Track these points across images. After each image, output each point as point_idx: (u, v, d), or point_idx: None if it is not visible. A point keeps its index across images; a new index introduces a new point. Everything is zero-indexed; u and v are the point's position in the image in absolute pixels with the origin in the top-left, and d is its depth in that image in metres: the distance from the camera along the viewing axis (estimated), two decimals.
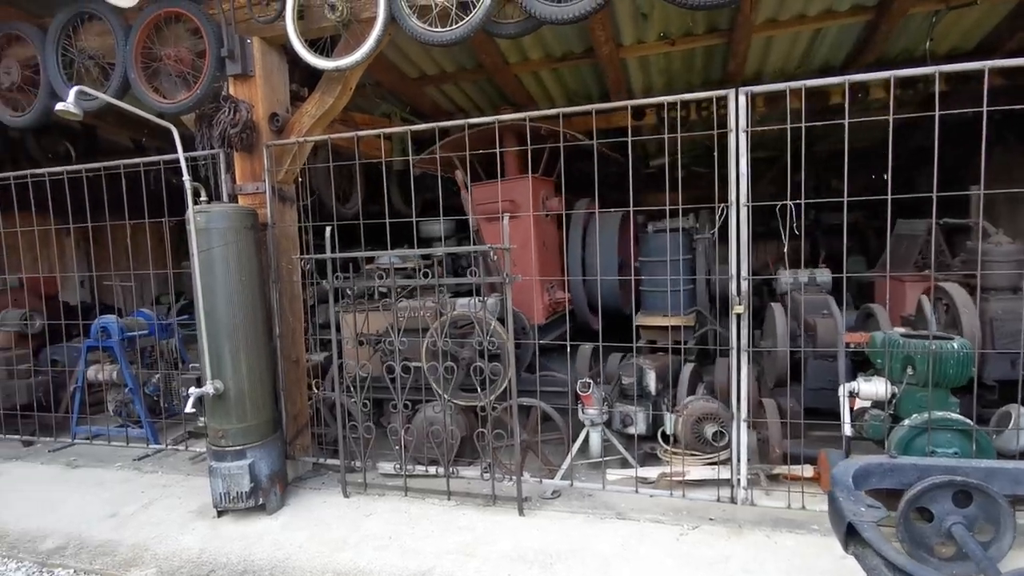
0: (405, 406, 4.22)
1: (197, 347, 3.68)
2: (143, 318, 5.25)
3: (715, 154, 3.10)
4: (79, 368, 5.09)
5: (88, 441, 5.16)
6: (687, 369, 4.10)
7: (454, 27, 3.36)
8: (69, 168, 4.83)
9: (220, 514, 3.67)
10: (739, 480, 3.11)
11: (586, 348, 4.51)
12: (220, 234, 3.47)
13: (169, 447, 4.84)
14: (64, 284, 7.56)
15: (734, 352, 3.01)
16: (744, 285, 2.96)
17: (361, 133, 3.98)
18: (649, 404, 3.88)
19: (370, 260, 5.16)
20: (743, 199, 2.94)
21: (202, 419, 4.99)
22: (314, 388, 4.30)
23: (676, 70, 5.87)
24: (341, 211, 5.05)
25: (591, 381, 3.57)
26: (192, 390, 3.43)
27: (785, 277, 4.79)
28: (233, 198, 4.00)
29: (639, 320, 5.22)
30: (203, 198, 3.53)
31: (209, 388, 3.43)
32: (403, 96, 6.07)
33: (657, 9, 4.61)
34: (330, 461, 4.21)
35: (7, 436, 5.20)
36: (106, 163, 4.71)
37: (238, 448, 3.55)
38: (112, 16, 4.05)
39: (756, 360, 4.63)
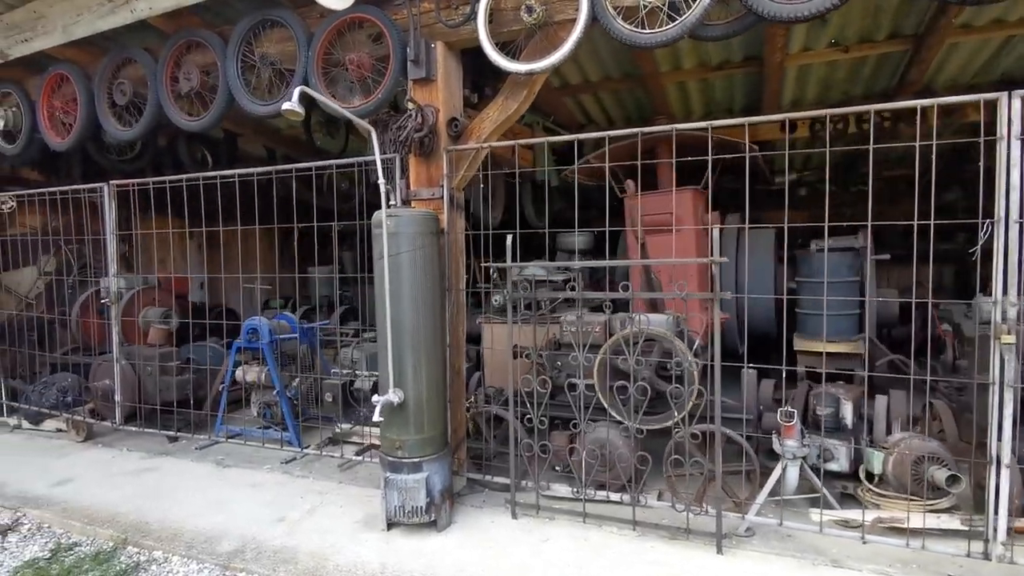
0: (565, 426, 4.03)
1: (333, 352, 3.61)
2: (286, 321, 5.29)
3: (971, 164, 2.77)
4: (227, 368, 5.16)
5: (228, 440, 5.22)
6: (882, 401, 3.73)
7: (665, 28, 3.18)
8: (205, 175, 4.97)
9: (389, 527, 3.55)
10: (995, 533, 2.72)
11: (752, 373, 4.20)
12: (409, 239, 3.40)
13: (312, 451, 4.81)
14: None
15: (995, 387, 2.66)
16: (1013, 311, 2.61)
17: (534, 140, 3.87)
18: (851, 438, 3.53)
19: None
20: (1014, 215, 2.60)
21: (341, 425, 4.97)
22: (474, 400, 4.17)
23: (837, 80, 5.52)
24: (487, 221, 4.97)
25: (794, 410, 3.26)
26: (376, 398, 3.34)
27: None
28: (406, 204, 3.94)
29: (799, 345, 4.86)
30: (393, 202, 3.47)
31: (393, 397, 3.33)
32: (542, 105, 5.98)
33: (841, 11, 4.31)
34: (489, 479, 4.04)
35: (155, 431, 5.32)
36: (241, 170, 4.84)
37: (415, 461, 3.43)
38: (295, 23, 4.11)
39: (950, 396, 4.19)
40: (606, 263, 3.89)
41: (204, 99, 4.62)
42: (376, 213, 3.49)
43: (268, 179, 4.81)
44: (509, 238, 3.60)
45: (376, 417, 3.24)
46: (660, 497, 3.52)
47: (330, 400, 4.82)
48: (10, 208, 6.38)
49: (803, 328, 4.98)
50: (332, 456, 4.71)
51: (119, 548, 3.57)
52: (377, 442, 4.84)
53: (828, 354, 4.54)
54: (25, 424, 5.92)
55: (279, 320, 5.27)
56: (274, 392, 4.94)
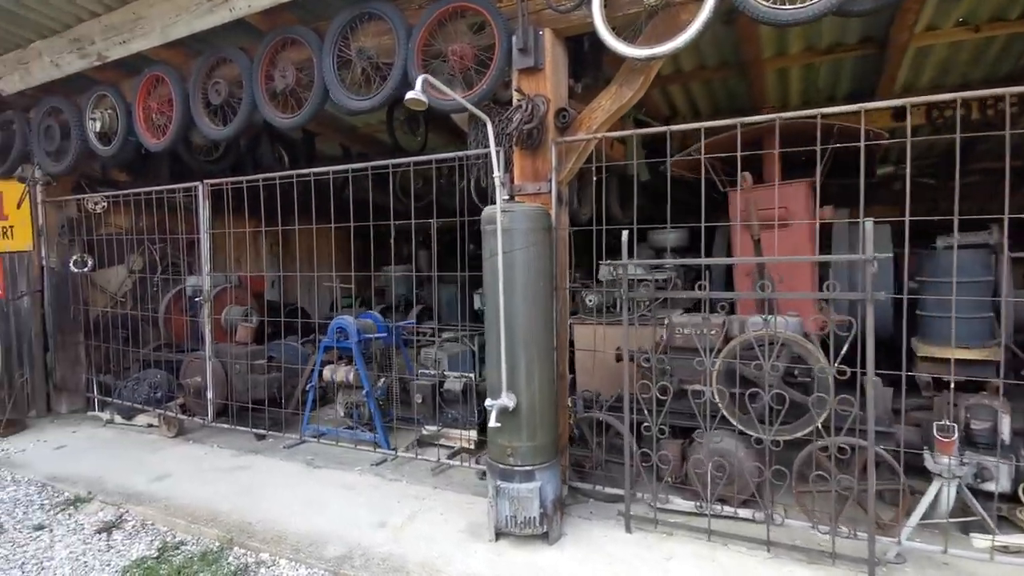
0: (676, 434, 3.78)
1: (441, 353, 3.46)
2: (372, 321, 5.22)
3: None
4: (314, 367, 5.13)
5: (314, 440, 5.18)
6: None
7: (810, 3, 2.90)
8: (299, 172, 4.94)
9: (497, 537, 3.39)
10: None
11: (877, 381, 3.85)
12: (522, 235, 3.23)
13: (402, 454, 4.71)
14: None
15: None
16: None
17: (641, 131, 3.63)
18: (1011, 456, 3.17)
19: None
20: None
21: (427, 428, 4.85)
22: (571, 404, 3.97)
23: (959, 62, 5.08)
24: (579, 216, 4.77)
25: (953, 424, 2.93)
26: (489, 402, 3.18)
27: None
28: (510, 199, 3.77)
29: (922, 350, 4.46)
30: (506, 196, 3.31)
31: (508, 401, 3.17)
32: None
33: None
34: (594, 488, 3.84)
35: (243, 429, 5.34)
36: (324, 168, 4.79)
37: (527, 469, 3.26)
38: (394, 15, 4.01)
39: None
40: (734, 260, 3.62)
41: (298, 96, 4.58)
42: (487, 209, 3.34)
43: (344, 178, 4.78)
44: (625, 234, 3.39)
45: (492, 423, 3.08)
46: (787, 514, 3.23)
47: (420, 401, 4.71)
48: (102, 208, 6.57)
49: (927, 332, 4.56)
50: (424, 460, 4.59)
51: (225, 548, 3.53)
52: (468, 445, 4.71)
53: (957, 361, 4.15)
54: (118, 419, 6.07)
55: (365, 319, 5.20)
56: (362, 392, 4.87)
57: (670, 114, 6.34)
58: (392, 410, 5.28)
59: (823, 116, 3.15)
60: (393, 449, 4.80)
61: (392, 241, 5.57)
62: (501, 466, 3.31)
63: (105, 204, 6.55)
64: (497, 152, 3.71)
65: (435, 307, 6.80)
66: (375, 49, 4.17)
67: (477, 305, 7.19)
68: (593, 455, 3.89)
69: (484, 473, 4.26)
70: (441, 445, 4.83)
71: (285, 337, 6.60)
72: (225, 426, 5.39)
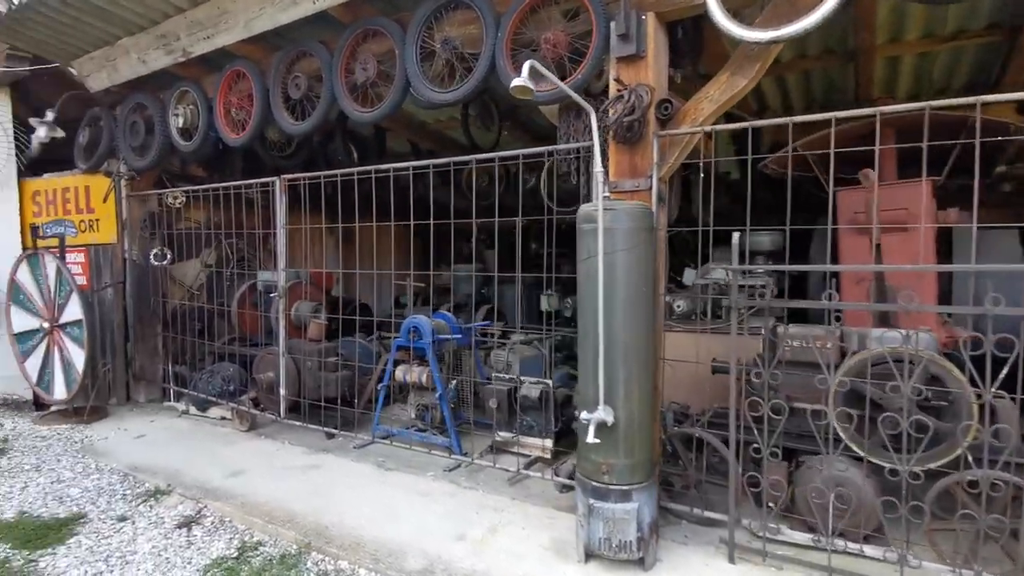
0: (780, 454, 3.44)
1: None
2: (444, 320, 5.08)
3: None
4: (387, 367, 5.03)
5: (385, 441, 5.08)
6: None
7: None
8: (359, 169, 4.84)
9: (587, 559, 3.16)
10: None
11: (1006, 403, 3.40)
12: (624, 236, 2.98)
13: (476, 460, 4.54)
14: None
15: None
16: None
17: (758, 123, 3.30)
18: None
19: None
20: None
21: (500, 434, 4.66)
22: (667, 419, 3.69)
23: None
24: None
25: None
26: (585, 415, 2.96)
27: None
28: (604, 196, 3.53)
29: None
30: (606, 194, 3.07)
31: (606, 416, 2.93)
32: None
33: None
34: (688, 510, 3.55)
35: (314, 426, 5.30)
36: (397, 165, 4.66)
37: (624, 488, 3.01)
38: (482, 3, 3.83)
39: None
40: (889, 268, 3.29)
41: (377, 90, 4.47)
42: (584, 207, 3.11)
43: (412, 175, 4.64)
44: (736, 235, 3.09)
45: (590, 439, 2.85)
46: (917, 554, 2.87)
47: (495, 407, 4.52)
48: (181, 203, 6.70)
49: None
50: (498, 468, 4.40)
51: (303, 553, 3.44)
52: (544, 455, 4.51)
53: None
54: (193, 410, 6.16)
55: (437, 319, 5.06)
56: (435, 395, 4.73)
57: (759, 108, 5.94)
58: (463, 413, 5.14)
59: (934, 109, 2.79)
60: (466, 455, 4.64)
61: (452, 239, 5.45)
62: (594, 484, 3.08)
63: (184, 199, 6.67)
64: (591, 147, 3.48)
65: (489, 306, 6.62)
66: (462, 39, 4.00)
67: (544, 306, 6.97)
68: (687, 474, 3.60)
69: (564, 486, 4.05)
70: (513, 452, 4.64)
71: (351, 334, 6.57)
72: (295, 423, 5.37)
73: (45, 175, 7.05)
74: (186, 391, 6.28)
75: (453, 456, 4.67)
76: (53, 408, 6.58)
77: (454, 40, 4.00)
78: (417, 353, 4.94)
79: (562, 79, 3.60)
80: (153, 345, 6.84)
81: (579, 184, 3.72)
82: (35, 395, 7.18)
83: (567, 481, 3.99)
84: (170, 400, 6.65)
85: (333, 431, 5.24)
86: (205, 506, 4.07)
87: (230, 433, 5.58)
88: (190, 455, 4.98)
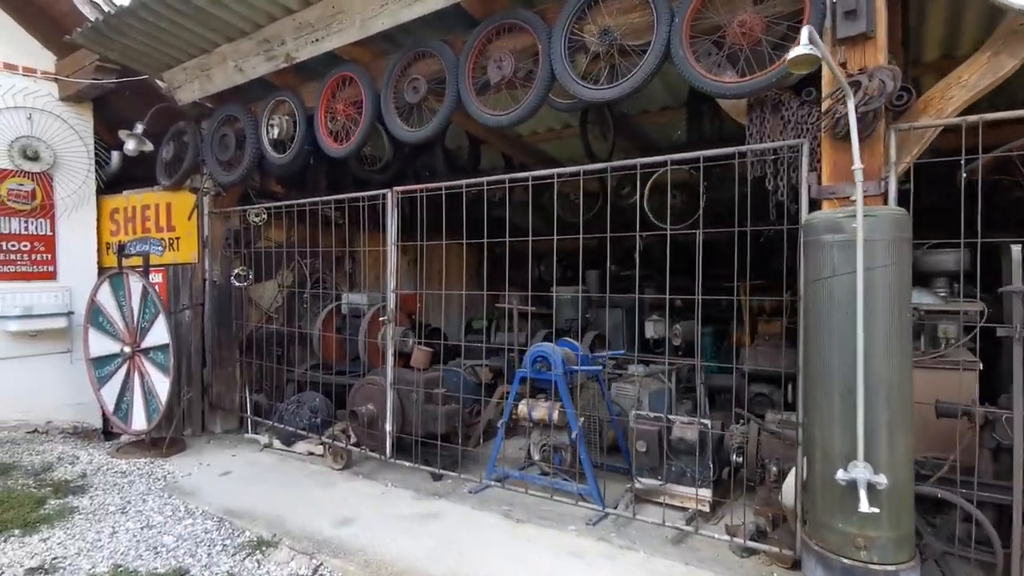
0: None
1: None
2: (569, 349, 4.51)
3: None
4: (507, 402, 4.47)
5: (499, 484, 4.49)
6: None
7: None
8: (492, 178, 4.34)
9: None
10: None
11: None
12: (885, 248, 2.40)
13: (621, 512, 3.91)
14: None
15: None
16: None
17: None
18: None
19: None
20: None
21: (641, 480, 4.04)
22: None
23: None
24: None
25: None
26: (845, 475, 2.34)
27: None
28: (814, 204, 2.96)
29: None
30: (854, 196, 2.49)
31: (878, 477, 2.31)
32: None
33: None
34: None
35: (416, 465, 4.74)
36: (537, 172, 4.16)
37: (890, 569, 2.37)
38: None
39: None
40: None
41: (512, 90, 4.02)
42: (821, 214, 2.56)
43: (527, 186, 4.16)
44: (1016, 249, 2.48)
45: (865, 507, 2.22)
46: None
47: (642, 449, 3.91)
48: (262, 220, 6.33)
49: None
50: (650, 522, 3.76)
51: None
52: (701, 507, 3.86)
53: None
54: (276, 444, 5.67)
55: (562, 347, 4.49)
56: (571, 434, 4.13)
57: None
58: (592, 456, 4.53)
59: None
60: (606, 505, 4.01)
61: (554, 258, 4.89)
62: (844, 561, 2.43)
63: (265, 216, 6.31)
64: (798, 146, 2.92)
65: (597, 333, 6.04)
66: (623, 28, 3.52)
67: (649, 333, 6.37)
68: (928, 545, 2.92)
69: (746, 549, 3.40)
70: (659, 503, 4.00)
71: (445, 363, 6.06)
72: (398, 462, 4.81)
73: (124, 192, 6.77)
74: (269, 422, 5.80)
75: (592, 506, 4.05)
76: (124, 438, 6.18)
77: (613, 31, 3.52)
78: (541, 386, 4.37)
79: (750, 73, 3.09)
80: (231, 371, 6.41)
81: (778, 191, 3.14)
82: (104, 424, 6.81)
83: (753, 545, 3.34)
84: (248, 431, 6.17)
85: (440, 472, 4.67)
86: (322, 563, 3.52)
87: (323, 472, 5.05)
88: (286, 498, 4.46)
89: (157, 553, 3.70)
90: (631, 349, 6.45)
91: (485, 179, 4.18)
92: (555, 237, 4.13)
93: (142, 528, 4.03)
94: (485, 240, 4.76)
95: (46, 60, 6.38)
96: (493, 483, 4.51)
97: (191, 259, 6.30)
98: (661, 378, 5.06)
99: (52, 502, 4.36)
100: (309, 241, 6.49)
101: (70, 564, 3.53)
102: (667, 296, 3.87)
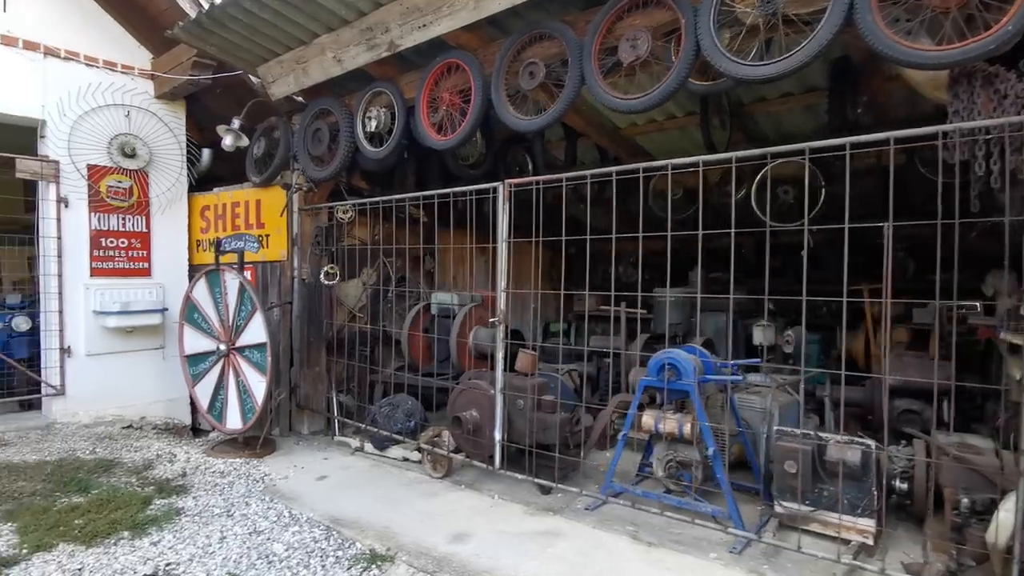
0: None
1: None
2: (694, 354, 4.12)
3: None
4: (630, 411, 4.11)
5: (621, 501, 4.13)
6: None
7: None
8: (601, 171, 3.98)
9: None
10: None
11: None
12: None
13: (768, 540, 3.49)
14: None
15: None
16: None
17: None
18: None
19: None
20: None
21: (783, 503, 3.60)
22: None
23: None
24: None
25: None
26: None
27: None
28: None
29: None
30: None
31: None
32: None
33: None
34: None
35: (523, 476, 4.44)
36: (679, 160, 3.75)
37: None
38: None
39: None
40: None
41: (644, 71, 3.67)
42: None
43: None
44: None
45: None
46: None
47: (792, 471, 3.49)
48: (350, 217, 6.18)
49: None
50: (806, 553, 3.33)
51: None
52: (863, 539, 3.41)
53: None
54: (368, 447, 5.48)
55: (686, 351, 4.11)
56: (706, 450, 3.74)
57: None
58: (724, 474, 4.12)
59: None
60: (749, 530, 3.60)
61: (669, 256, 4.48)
62: None
63: (353, 214, 6.16)
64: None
65: (705, 338, 5.60)
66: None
67: (758, 339, 5.89)
68: None
69: None
70: (811, 531, 3.57)
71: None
72: (503, 472, 4.52)
73: (215, 189, 6.76)
74: (359, 425, 5.63)
75: (726, 530, 3.64)
76: (213, 435, 6.14)
77: (777, 1, 3.12)
78: (673, 397, 4.00)
79: (948, 42, 2.64)
80: (318, 371, 6.28)
81: (983, 177, 2.68)
82: (193, 420, 6.82)
83: None
84: (335, 432, 6.03)
85: (549, 484, 4.36)
86: None
87: (422, 480, 4.82)
88: (390, 508, 4.24)
89: (270, 563, 3.51)
90: (736, 356, 6.00)
91: (614, 169, 3.83)
92: (669, 234, 3.76)
93: (250, 534, 3.87)
94: (588, 237, 4.41)
95: (142, 58, 6.42)
96: (609, 499, 4.16)
97: (280, 257, 6.21)
98: (789, 390, 4.61)
99: (157, 502, 4.26)
100: (394, 239, 6.33)
101: (184, 572, 3.38)
102: (804, 297, 3.40)
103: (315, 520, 4.07)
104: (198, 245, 6.89)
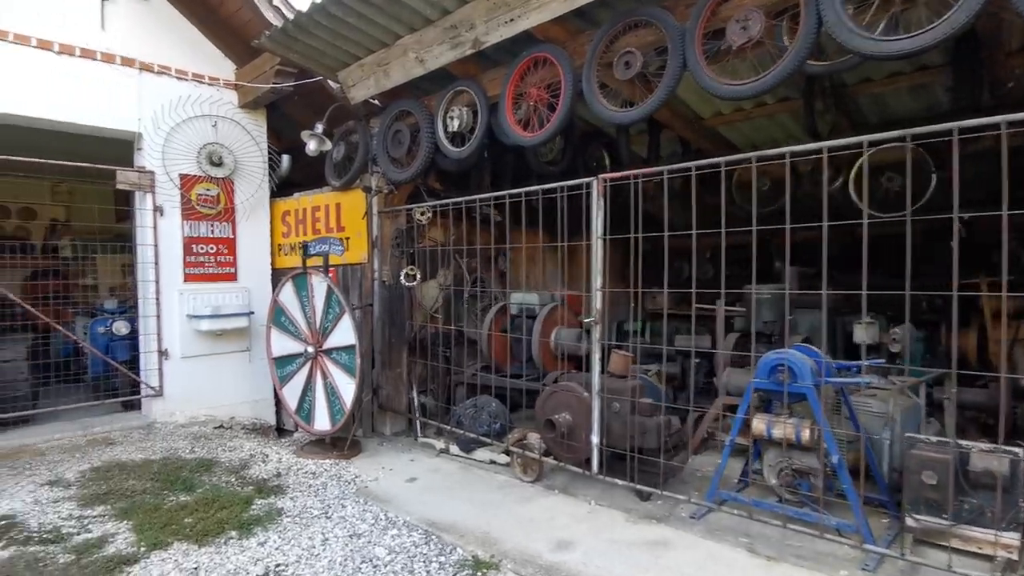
0: None
1: None
2: (806, 354, 3.85)
3: None
4: (738, 415, 3.89)
5: (726, 509, 3.91)
6: None
7: None
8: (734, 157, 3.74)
9: None
10: None
11: None
12: None
13: (909, 558, 3.21)
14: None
15: None
16: None
17: None
18: None
19: None
20: None
21: (915, 516, 3.30)
22: None
23: None
24: None
25: None
26: None
27: None
28: None
29: None
30: None
31: None
32: None
33: None
34: None
35: (619, 481, 4.28)
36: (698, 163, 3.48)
37: None
38: None
39: None
40: None
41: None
42: None
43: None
44: None
45: None
46: None
47: (932, 482, 3.20)
48: (428, 218, 6.17)
49: None
50: (954, 572, 3.04)
51: None
52: (1008, 554, 3.08)
53: None
54: (453, 449, 5.44)
55: (796, 351, 3.84)
56: (828, 458, 3.48)
57: None
58: (829, 482, 3.84)
59: None
60: (874, 543, 3.33)
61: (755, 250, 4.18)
62: None
63: (430, 214, 6.14)
64: None
65: (804, 336, 5.26)
66: None
67: (859, 337, 5.51)
68: None
69: None
70: (946, 547, 3.26)
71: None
72: (602, 477, 4.37)
73: (295, 194, 6.90)
74: (441, 425, 5.61)
75: (852, 543, 3.37)
76: (297, 435, 6.26)
77: None
78: (779, 399, 3.76)
79: None
80: (399, 372, 6.31)
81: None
82: (277, 420, 6.98)
83: None
84: (417, 433, 6.03)
85: (649, 490, 4.18)
86: None
87: (513, 484, 4.73)
88: (487, 512, 4.17)
89: (375, 567, 3.48)
90: (835, 356, 5.64)
91: (721, 160, 3.61)
92: (750, 227, 3.50)
93: (350, 536, 3.87)
94: (693, 232, 4.20)
95: (227, 69, 6.62)
96: (713, 506, 3.95)
97: (360, 259, 6.27)
98: (909, 393, 4.27)
99: (258, 502, 4.34)
100: (468, 239, 6.29)
101: (293, 574, 3.40)
102: (907, 292, 3.11)
103: (412, 524, 4.03)
104: (279, 249, 7.05)
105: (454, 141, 5.23)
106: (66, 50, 5.54)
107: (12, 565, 3.33)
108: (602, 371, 4.46)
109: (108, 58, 5.79)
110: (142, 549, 3.56)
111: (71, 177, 5.91)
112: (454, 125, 5.09)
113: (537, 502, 4.36)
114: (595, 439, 4.23)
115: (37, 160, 5.42)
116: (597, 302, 4.21)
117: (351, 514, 4.21)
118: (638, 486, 4.19)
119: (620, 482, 4.21)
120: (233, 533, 3.85)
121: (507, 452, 5.06)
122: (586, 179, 4.21)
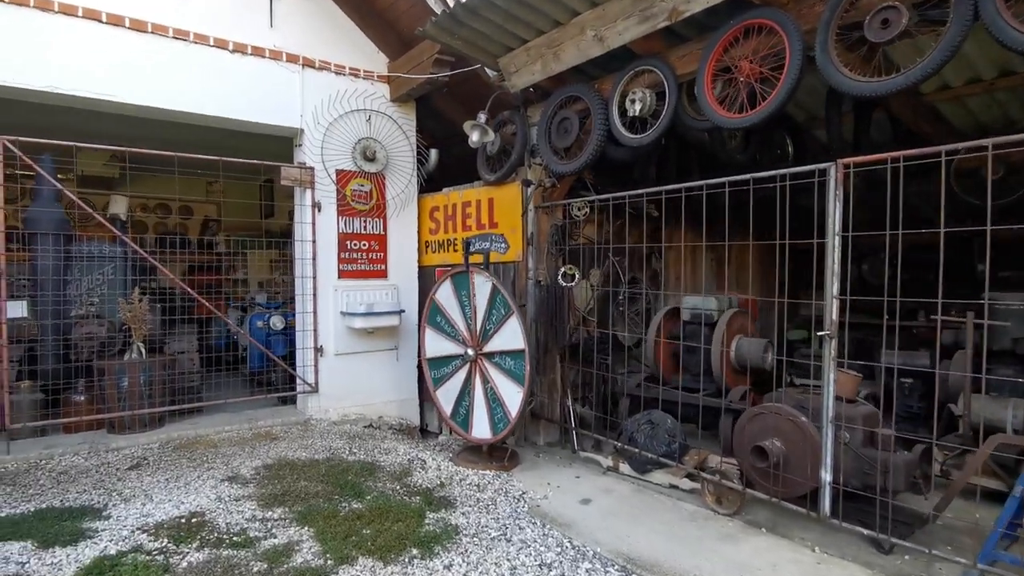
0: None
1: None
2: None
3: None
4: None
5: (989, 566, 3.10)
6: None
7: None
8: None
9: None
10: None
11: None
12: None
13: None
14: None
15: None
16: None
17: None
18: None
19: None
20: None
21: None
22: None
23: None
24: None
25: None
26: None
27: None
28: None
29: None
30: None
31: None
32: None
33: None
34: None
35: (845, 525, 3.57)
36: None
37: None
38: None
39: None
40: None
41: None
42: None
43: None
44: None
45: None
46: None
47: None
48: (585, 214, 5.70)
49: None
50: None
51: None
52: None
53: None
54: (623, 468, 4.94)
55: None
56: None
57: None
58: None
59: None
60: None
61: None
62: None
63: (587, 210, 5.67)
64: None
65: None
66: None
67: None
68: None
69: None
70: None
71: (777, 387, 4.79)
72: (836, 522, 3.69)
73: (444, 189, 6.70)
74: (598, 437, 5.12)
75: None
76: (442, 438, 6.03)
77: None
78: None
79: None
80: (552, 379, 5.90)
81: None
82: (421, 421, 6.82)
83: None
84: (574, 446, 5.58)
85: (895, 541, 3.43)
86: None
87: (706, 515, 4.15)
88: (687, 550, 3.62)
89: None
90: None
91: (1001, 140, 2.83)
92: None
93: (540, 566, 3.46)
94: (905, 231, 3.39)
95: (380, 62, 6.51)
96: (988, 568, 3.15)
97: (515, 257, 5.91)
98: None
99: (431, 516, 4.06)
100: (622, 237, 5.77)
101: None
102: None
103: (605, 557, 3.57)
104: (426, 246, 6.88)
105: (631, 127, 4.72)
106: (239, 48, 5.61)
107: (209, 570, 3.22)
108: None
109: (276, 55, 5.82)
110: (330, 562, 3.36)
111: (234, 173, 5.97)
112: (635, 109, 4.57)
113: (745, 541, 3.75)
114: (827, 476, 3.54)
115: (211, 157, 5.52)
116: (833, 312, 3.51)
117: (531, 538, 3.82)
118: (880, 535, 3.46)
119: (863, 530, 3.49)
120: (415, 551, 3.56)
121: (690, 476, 4.49)
122: (821, 165, 3.53)
